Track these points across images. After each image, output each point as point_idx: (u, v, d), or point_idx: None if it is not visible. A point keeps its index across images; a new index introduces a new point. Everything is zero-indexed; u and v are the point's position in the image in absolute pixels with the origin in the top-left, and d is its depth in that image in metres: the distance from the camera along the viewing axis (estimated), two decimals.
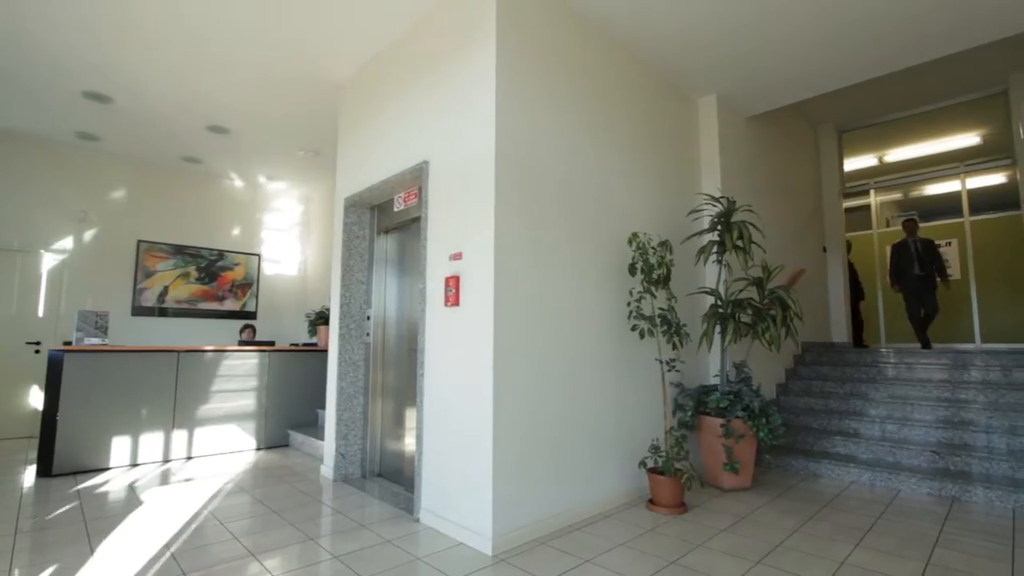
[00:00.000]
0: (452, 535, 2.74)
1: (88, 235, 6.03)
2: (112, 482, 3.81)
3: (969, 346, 4.68)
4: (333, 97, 4.65)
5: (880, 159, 6.85)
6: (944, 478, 3.47)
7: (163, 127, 5.37)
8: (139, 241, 6.34)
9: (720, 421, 3.55)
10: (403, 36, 3.64)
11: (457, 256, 2.93)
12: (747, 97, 4.62)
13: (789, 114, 5.86)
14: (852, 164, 6.98)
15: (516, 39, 2.93)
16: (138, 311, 6.28)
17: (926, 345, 5.88)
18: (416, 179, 3.43)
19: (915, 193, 6.98)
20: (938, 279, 6.05)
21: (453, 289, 2.90)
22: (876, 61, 4.04)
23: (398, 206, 3.77)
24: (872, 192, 6.99)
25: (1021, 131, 4.09)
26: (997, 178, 5.99)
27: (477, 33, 2.94)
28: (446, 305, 2.95)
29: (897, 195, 7.14)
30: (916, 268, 6.09)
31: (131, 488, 3.65)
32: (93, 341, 4.38)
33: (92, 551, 2.54)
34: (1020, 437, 3.66)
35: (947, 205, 6.44)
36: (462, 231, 2.92)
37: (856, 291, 6.84)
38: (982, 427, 3.89)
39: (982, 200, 6.03)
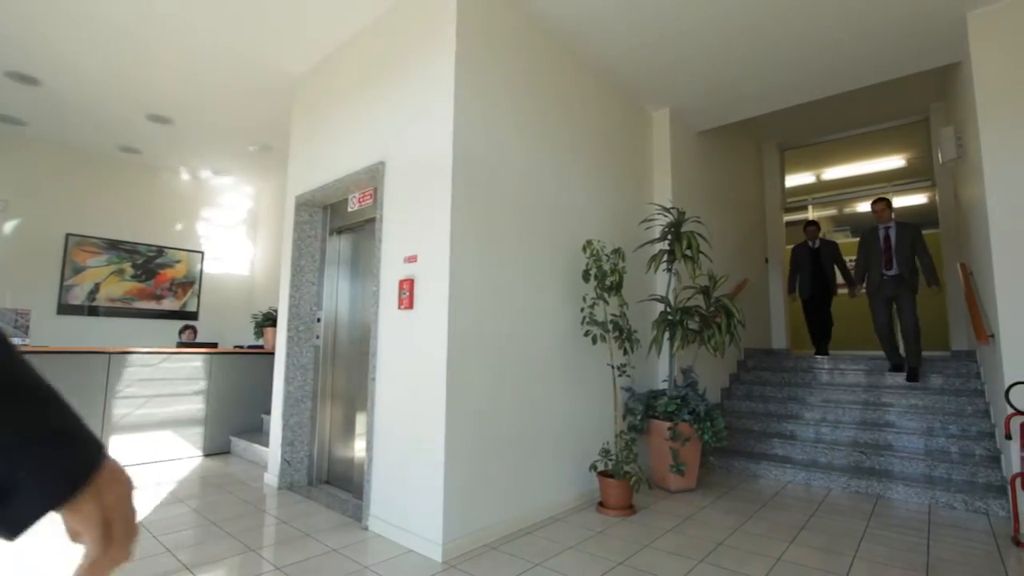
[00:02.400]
0: (401, 542, 2.69)
1: (8, 226, 5.57)
2: None
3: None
4: (287, 91, 4.51)
5: (818, 176, 7.28)
6: (870, 477, 3.71)
7: (98, 114, 5.04)
8: (68, 234, 5.91)
9: (668, 424, 3.66)
10: (362, 33, 3.58)
11: (412, 259, 2.89)
12: (698, 112, 4.82)
13: (736, 131, 6.15)
14: (792, 180, 7.39)
15: (475, 42, 2.94)
16: (65, 309, 5.85)
17: (897, 368, 4.72)
18: (371, 179, 3.37)
19: (848, 209, 7.46)
20: (934, 287, 4.61)
21: (407, 292, 2.86)
22: (811, 85, 4.32)
23: (352, 206, 3.69)
24: (810, 207, 7.41)
25: (939, 156, 4.46)
26: (919, 198, 6.49)
27: (437, 34, 2.93)
28: (400, 308, 2.91)
29: (833, 211, 7.61)
30: (883, 265, 4.79)
31: None
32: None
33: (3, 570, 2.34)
34: (936, 438, 3.96)
35: (876, 222, 6.90)
36: (417, 233, 2.89)
37: (822, 283, 5.74)
38: (904, 429, 4.19)
39: (907, 218, 6.51)
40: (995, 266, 3.19)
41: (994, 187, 3.22)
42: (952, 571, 2.43)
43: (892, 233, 4.80)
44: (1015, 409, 2.94)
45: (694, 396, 3.82)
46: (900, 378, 4.65)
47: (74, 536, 0.50)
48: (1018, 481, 2.89)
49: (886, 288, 4.74)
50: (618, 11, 3.31)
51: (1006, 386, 3.02)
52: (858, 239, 5.15)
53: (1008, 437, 3.00)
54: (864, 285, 4.99)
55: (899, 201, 6.65)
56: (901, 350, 4.84)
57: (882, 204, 4.91)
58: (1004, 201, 3.19)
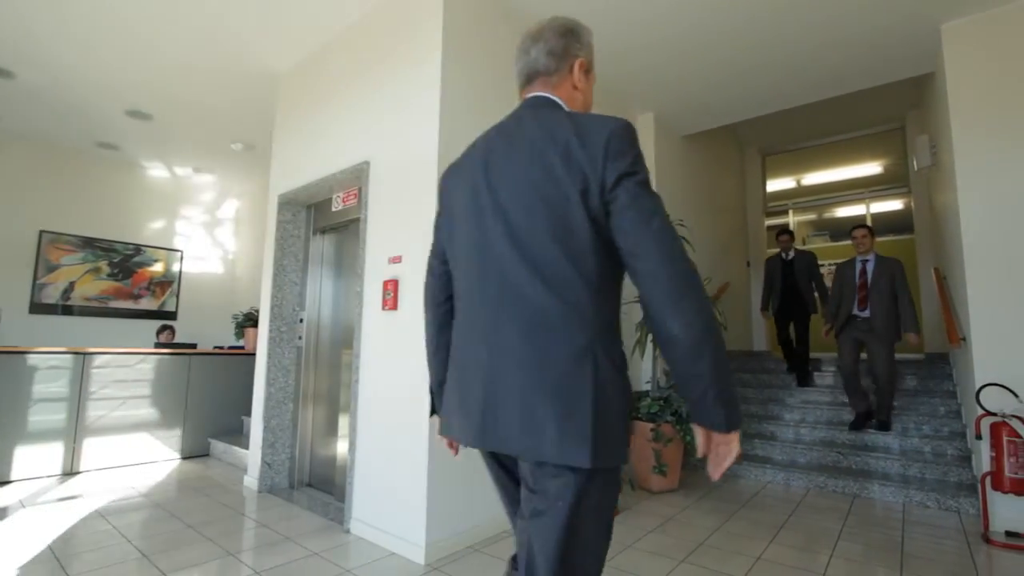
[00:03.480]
0: (384, 545, 2.67)
1: None
2: None
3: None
4: (270, 89, 4.45)
5: (798, 182, 7.42)
6: (847, 476, 3.79)
7: (75, 108, 4.92)
8: (41, 231, 5.76)
9: (651, 426, 3.69)
10: (347, 31, 3.55)
11: (396, 259, 2.88)
12: (682, 117, 4.88)
13: (719, 136, 6.24)
14: (774, 185, 7.51)
15: (462, 42, 2.94)
16: (38, 308, 5.69)
17: (862, 419, 4.20)
18: (356, 179, 3.34)
19: (828, 214, 7.62)
20: (908, 336, 3.95)
21: (391, 293, 2.85)
22: (792, 92, 4.41)
23: (336, 206, 3.66)
24: (791, 212, 7.55)
25: (915, 163, 4.58)
26: (895, 204, 6.64)
27: (423, 33, 2.92)
28: (383, 309, 2.89)
29: (813, 215, 7.76)
30: (855, 303, 4.15)
31: (21, 504, 3.29)
32: None
33: None
34: (910, 438, 4.05)
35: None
36: (402, 234, 2.87)
37: (795, 299, 5.11)
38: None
39: (883, 223, 6.66)
40: (967, 271, 3.28)
41: (966, 194, 3.32)
42: (925, 568, 2.49)
43: (870, 267, 4.17)
44: (985, 410, 3.03)
45: (677, 398, 3.86)
46: (868, 431, 4.17)
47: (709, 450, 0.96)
48: (987, 480, 2.97)
49: (855, 328, 4.17)
50: (604, 16, 3.34)
51: (977, 387, 3.11)
52: (837, 259, 4.60)
53: (979, 437, 3.08)
54: (834, 322, 4.37)
55: (877, 206, 6.81)
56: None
57: (862, 231, 4.25)
58: (976, 208, 3.28)
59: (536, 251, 0.98)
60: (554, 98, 1.12)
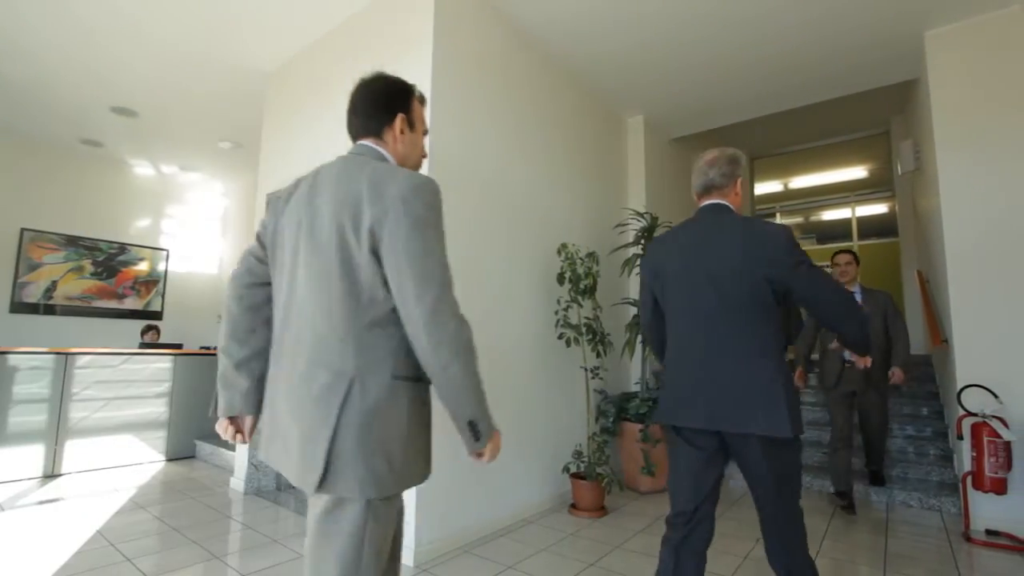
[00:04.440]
0: None
1: None
2: None
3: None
4: (259, 86, 4.41)
5: (785, 185, 7.50)
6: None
7: (57, 105, 4.84)
8: (23, 229, 5.65)
9: (639, 426, 3.71)
10: (338, 30, 3.53)
11: None
12: (671, 120, 4.92)
13: (709, 139, 6.27)
14: (761, 188, 7.59)
15: (452, 43, 2.93)
16: (18, 308, 5.58)
17: (843, 495, 3.35)
18: None
19: (814, 217, 7.71)
20: (892, 371, 3.34)
21: None
22: (779, 98, 4.47)
23: None
24: (778, 215, 7.63)
25: (899, 168, 4.65)
26: (880, 208, 6.74)
27: (414, 35, 2.91)
28: None
29: (799, 219, 7.86)
30: (845, 351, 3.37)
31: (0, 508, 3.22)
32: None
33: None
34: (894, 439, 4.12)
35: (840, 230, 7.15)
36: None
37: None
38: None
39: (868, 226, 6.75)
40: (949, 274, 3.33)
41: (948, 198, 3.38)
42: (907, 566, 2.52)
43: (864, 302, 3.47)
44: (966, 411, 3.08)
45: None
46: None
47: None
48: (969, 479, 3.02)
49: (848, 380, 3.40)
50: (593, 20, 3.35)
51: (958, 388, 3.17)
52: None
53: (960, 437, 3.14)
54: (804, 369, 3.51)
55: (862, 210, 6.91)
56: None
57: (847, 257, 3.50)
58: (958, 212, 3.34)
59: (738, 309, 1.55)
60: (726, 204, 1.70)
